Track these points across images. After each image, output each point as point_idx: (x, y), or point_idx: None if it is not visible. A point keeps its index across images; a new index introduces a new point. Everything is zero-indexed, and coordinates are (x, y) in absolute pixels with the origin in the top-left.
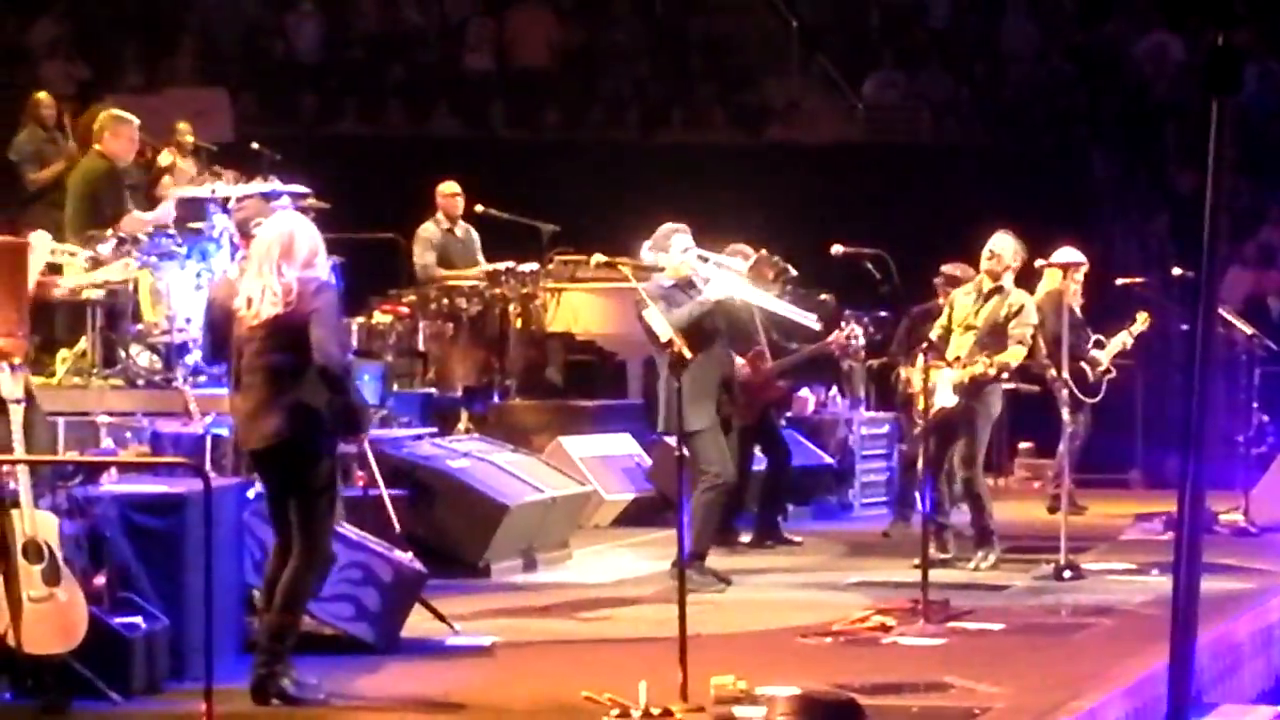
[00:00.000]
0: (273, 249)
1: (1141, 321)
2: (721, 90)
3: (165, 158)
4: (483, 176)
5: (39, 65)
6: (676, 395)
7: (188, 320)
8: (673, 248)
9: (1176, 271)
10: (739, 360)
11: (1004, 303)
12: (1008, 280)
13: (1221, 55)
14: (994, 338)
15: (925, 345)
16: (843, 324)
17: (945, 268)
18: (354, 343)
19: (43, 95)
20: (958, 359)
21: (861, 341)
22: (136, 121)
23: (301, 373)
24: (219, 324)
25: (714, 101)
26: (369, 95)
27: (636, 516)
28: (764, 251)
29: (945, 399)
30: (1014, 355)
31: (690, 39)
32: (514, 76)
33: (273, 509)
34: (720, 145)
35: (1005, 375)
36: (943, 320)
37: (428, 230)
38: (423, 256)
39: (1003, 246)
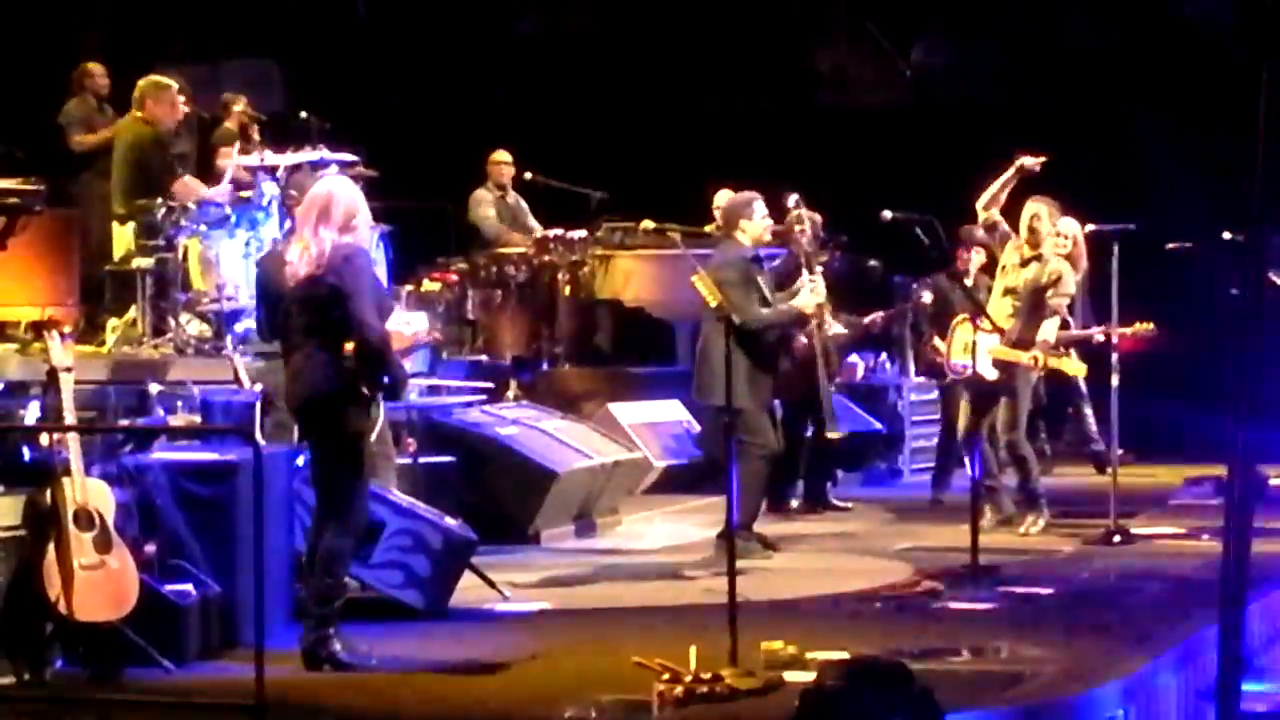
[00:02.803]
0: (311, 210)
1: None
2: (769, 56)
3: (225, 132)
4: (531, 143)
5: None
6: (726, 368)
7: (236, 288)
8: (755, 214)
9: (1226, 235)
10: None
11: (1044, 270)
12: (1048, 247)
13: (1271, 18)
14: (1032, 306)
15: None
16: (914, 299)
17: (963, 229)
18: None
19: (93, 65)
20: (1001, 330)
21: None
22: (176, 86)
23: (332, 333)
24: (271, 298)
25: (762, 67)
26: (417, 61)
27: (686, 482)
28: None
29: (985, 368)
30: (1049, 331)
31: (739, 4)
32: (562, 43)
33: (312, 471)
34: (768, 111)
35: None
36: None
37: (482, 194)
38: (485, 217)
39: (1039, 214)
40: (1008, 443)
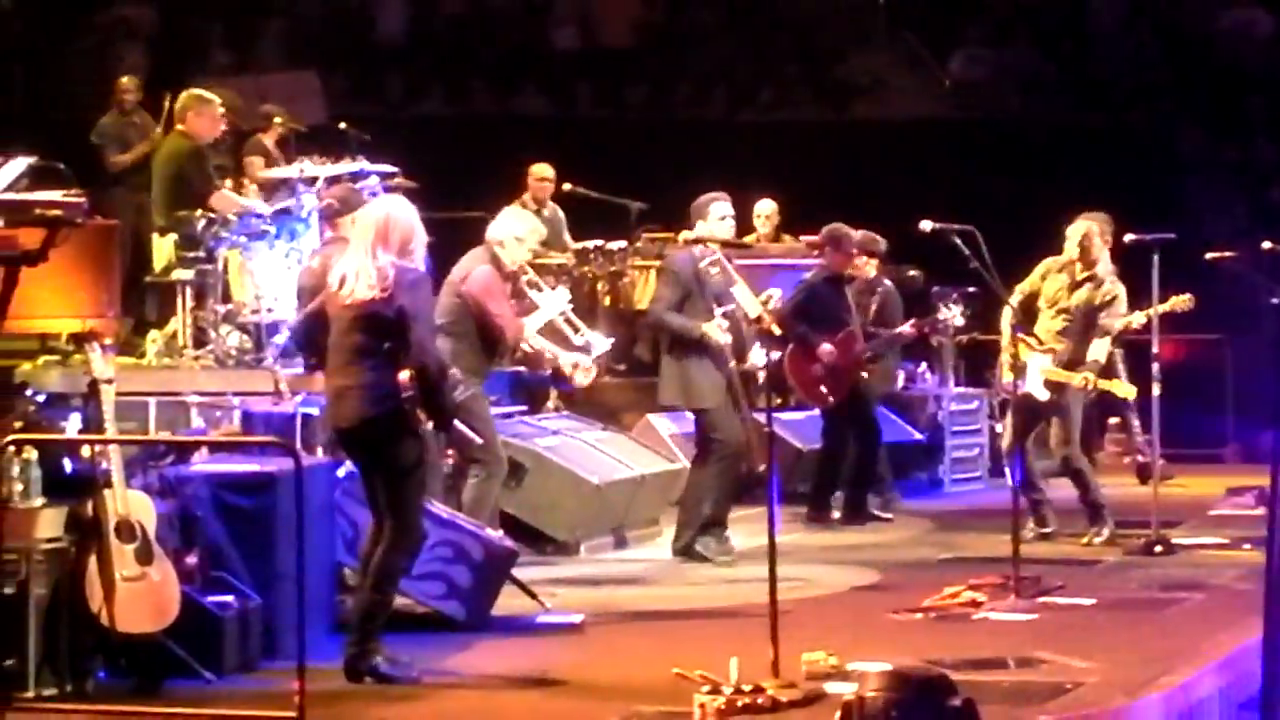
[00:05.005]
0: (368, 232)
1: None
2: (807, 67)
3: (259, 143)
4: (569, 155)
5: (121, 47)
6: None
7: (276, 299)
8: (711, 214)
9: (1266, 245)
10: (825, 346)
11: (1098, 291)
12: (1101, 267)
13: None
14: (1085, 326)
15: (1014, 321)
16: (944, 306)
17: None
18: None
19: (125, 80)
20: (1051, 349)
21: (959, 320)
22: (218, 100)
23: (388, 355)
24: (313, 313)
25: (800, 78)
26: (455, 75)
27: None
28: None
29: (1036, 388)
30: (1100, 351)
31: (775, 15)
32: (599, 55)
33: (365, 488)
34: (806, 122)
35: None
36: (1026, 287)
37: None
38: None
39: (1091, 233)
40: (1063, 458)
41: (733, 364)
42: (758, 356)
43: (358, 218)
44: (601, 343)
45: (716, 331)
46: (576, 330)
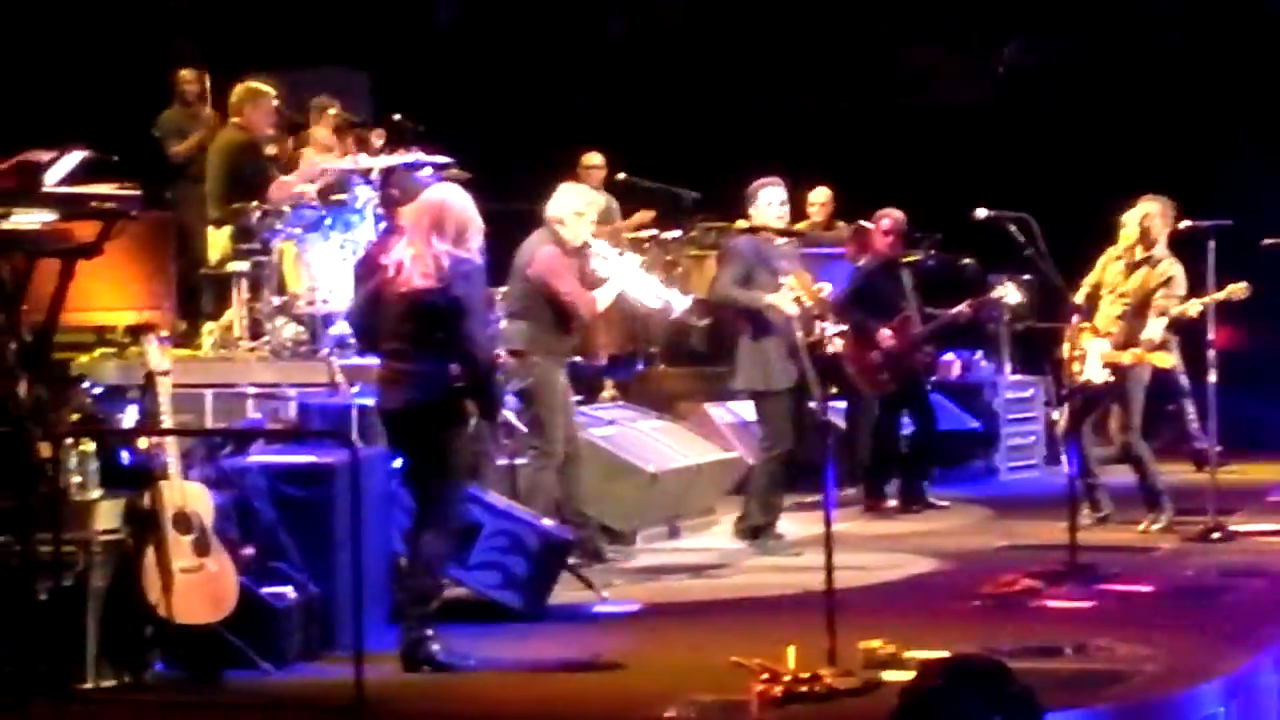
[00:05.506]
0: (423, 219)
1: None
2: (857, 54)
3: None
4: (622, 144)
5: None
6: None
7: (331, 291)
8: (759, 201)
9: None
10: (885, 332)
11: (1154, 272)
12: (1159, 249)
13: None
14: (1140, 307)
15: (1073, 308)
16: (1000, 287)
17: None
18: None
19: (185, 72)
20: (1109, 333)
21: (1016, 298)
22: (273, 93)
23: (439, 344)
24: (369, 298)
25: (850, 65)
26: (506, 63)
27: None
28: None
29: (1095, 373)
30: (1155, 330)
31: (826, 3)
32: (650, 43)
33: (407, 474)
34: (858, 109)
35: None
36: (1091, 278)
37: None
38: None
39: (1151, 214)
40: (1123, 444)
41: (800, 334)
42: (829, 332)
43: (414, 206)
44: (681, 300)
45: (784, 301)
46: (653, 293)
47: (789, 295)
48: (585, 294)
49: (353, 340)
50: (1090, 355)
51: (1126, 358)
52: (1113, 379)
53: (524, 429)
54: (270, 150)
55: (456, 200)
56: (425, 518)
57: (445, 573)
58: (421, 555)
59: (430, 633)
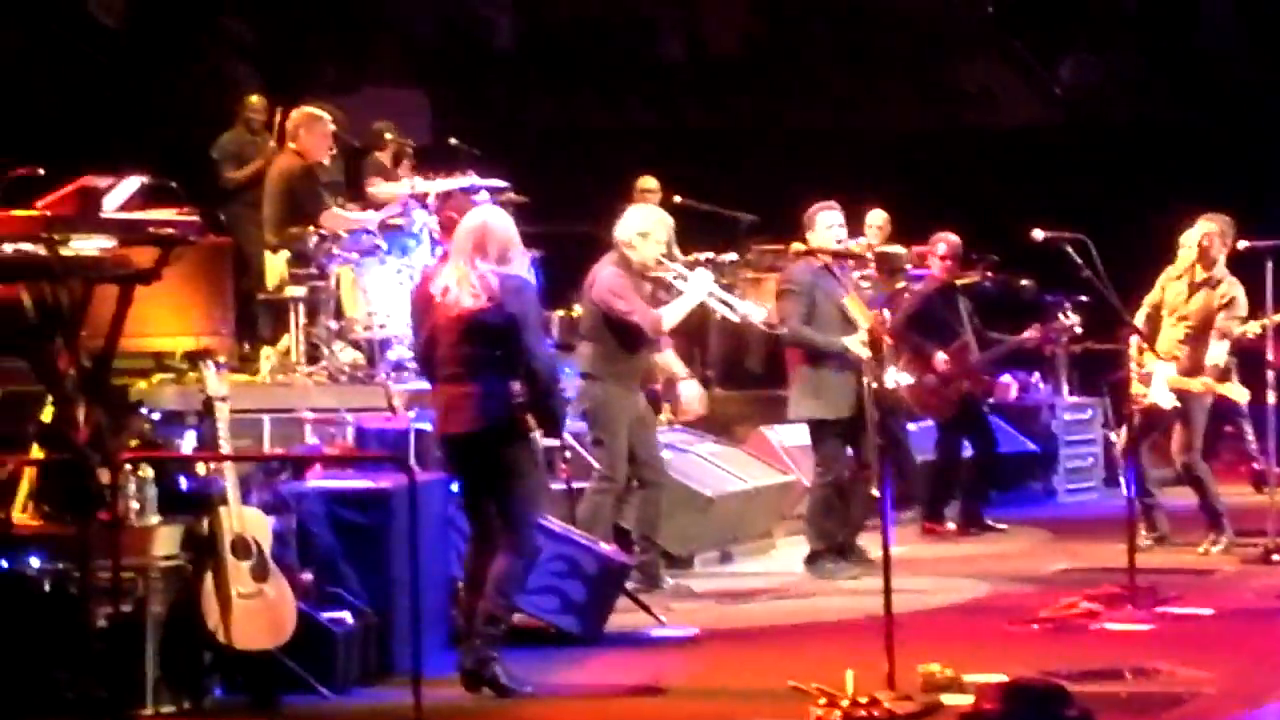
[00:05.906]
0: (465, 241)
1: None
2: (915, 75)
3: (378, 162)
4: (677, 166)
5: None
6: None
7: (388, 316)
8: (818, 225)
9: None
10: (940, 355)
11: (1215, 293)
12: (1219, 269)
13: None
14: (1202, 330)
15: (1130, 329)
16: (1061, 315)
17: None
18: (554, 334)
19: (254, 99)
20: (1174, 357)
21: (1075, 322)
22: (329, 118)
23: (498, 364)
24: (427, 337)
25: (908, 86)
26: (563, 87)
27: None
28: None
29: (1162, 398)
30: (1219, 355)
31: (882, 23)
32: (706, 65)
33: (466, 498)
34: (915, 131)
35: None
36: (1151, 298)
37: None
38: None
39: (1211, 234)
40: (1183, 464)
41: (870, 379)
42: (893, 376)
43: (457, 230)
44: (757, 311)
45: (858, 346)
46: (729, 306)
47: (862, 338)
48: (649, 311)
49: (411, 364)
50: (1156, 379)
51: (1196, 385)
52: (1179, 404)
53: (585, 453)
54: (331, 176)
55: (497, 221)
56: (501, 543)
57: (519, 594)
58: (496, 579)
59: (496, 654)
